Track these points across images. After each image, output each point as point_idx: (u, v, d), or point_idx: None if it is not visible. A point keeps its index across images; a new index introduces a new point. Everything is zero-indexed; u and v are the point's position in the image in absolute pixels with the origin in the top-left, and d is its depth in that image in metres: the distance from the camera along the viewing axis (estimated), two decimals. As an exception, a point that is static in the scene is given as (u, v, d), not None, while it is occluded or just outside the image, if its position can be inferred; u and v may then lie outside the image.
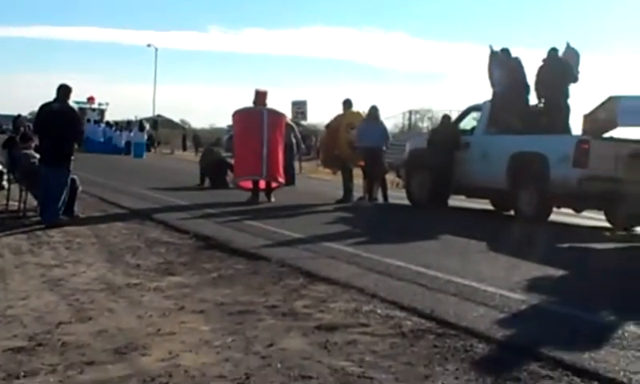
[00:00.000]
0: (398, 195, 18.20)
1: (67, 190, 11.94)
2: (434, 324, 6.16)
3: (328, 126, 18.73)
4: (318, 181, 25.57)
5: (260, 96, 16.98)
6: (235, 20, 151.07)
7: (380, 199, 17.46)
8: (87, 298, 6.96)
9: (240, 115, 17.33)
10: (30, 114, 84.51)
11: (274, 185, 17.01)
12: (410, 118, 52.25)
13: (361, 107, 17.98)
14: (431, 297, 7.17)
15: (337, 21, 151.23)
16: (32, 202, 12.84)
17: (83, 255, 9.39)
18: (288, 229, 11.63)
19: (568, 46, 15.67)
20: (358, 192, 17.78)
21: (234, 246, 9.97)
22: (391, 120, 40.33)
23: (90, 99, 50.50)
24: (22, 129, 30.81)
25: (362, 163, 17.53)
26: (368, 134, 16.82)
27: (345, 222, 13.49)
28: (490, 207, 16.77)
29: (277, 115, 17.34)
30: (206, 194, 18.61)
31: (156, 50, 72.94)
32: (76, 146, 12.38)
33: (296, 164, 33.67)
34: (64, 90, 12.07)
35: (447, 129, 16.70)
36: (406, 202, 17.18)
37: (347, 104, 17.71)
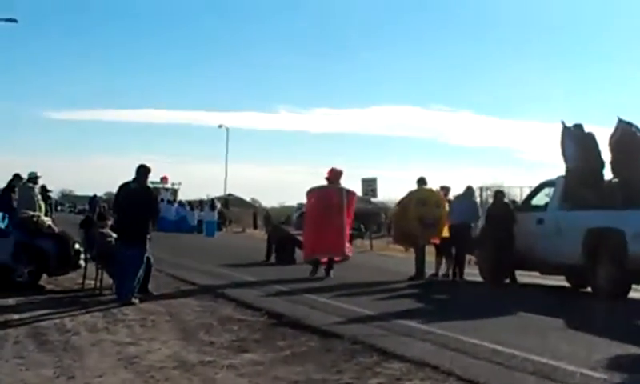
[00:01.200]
0: (471, 272, 17.95)
1: (143, 268, 12.13)
2: (513, 403, 6.01)
3: (400, 203, 18.74)
4: (389, 258, 25.42)
5: (335, 174, 17.64)
6: (304, 100, 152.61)
7: (450, 276, 17.36)
8: (162, 376, 7.00)
9: (314, 193, 17.91)
10: (106, 194, 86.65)
11: (336, 259, 17.54)
12: (481, 195, 51.59)
13: (434, 185, 18.16)
14: (508, 375, 7.02)
15: (404, 100, 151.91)
16: (108, 280, 13.06)
17: (157, 333, 9.46)
18: (360, 306, 11.56)
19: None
20: (430, 269, 17.61)
21: (306, 323, 9.94)
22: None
23: (164, 179, 51.55)
24: (97, 209, 31.67)
25: (435, 241, 17.50)
26: (459, 210, 17.34)
27: (417, 299, 13.35)
28: (566, 284, 16.39)
29: (349, 194, 17.95)
30: (274, 270, 18.67)
31: (227, 130, 74.38)
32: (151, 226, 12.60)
33: (362, 241, 33.88)
34: (143, 170, 12.43)
35: (501, 205, 16.64)
36: (479, 278, 16.94)
37: (421, 181, 17.76)
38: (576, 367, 7.29)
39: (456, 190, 19.05)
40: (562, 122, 15.87)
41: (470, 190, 18.14)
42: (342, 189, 17.68)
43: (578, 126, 15.70)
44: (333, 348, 8.37)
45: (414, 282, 16.41)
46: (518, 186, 22.29)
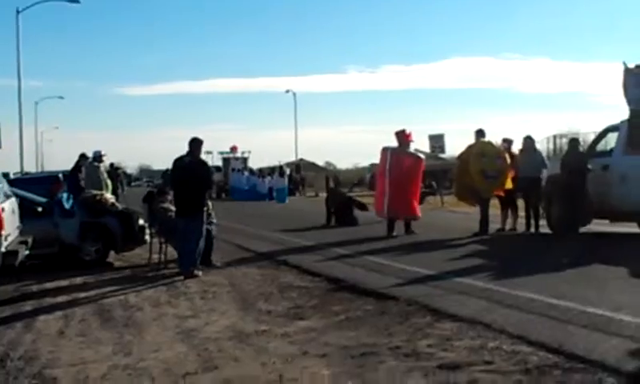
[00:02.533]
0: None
1: (203, 241, 12.30)
2: (561, 358, 5.95)
3: (459, 157, 18.46)
4: (459, 214, 25.18)
5: (406, 137, 17.93)
6: (372, 59, 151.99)
7: (520, 229, 17.13)
8: (216, 348, 7.11)
9: (388, 153, 17.93)
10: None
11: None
12: (555, 143, 50.51)
13: (505, 135, 17.88)
14: (561, 329, 6.93)
15: (474, 51, 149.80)
16: (172, 253, 13.28)
17: (218, 304, 9.61)
18: (419, 266, 11.53)
19: None
20: (496, 223, 17.40)
21: (363, 287, 9.97)
22: (537, 146, 39.31)
23: (233, 149, 52.07)
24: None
25: (499, 193, 17.24)
26: (526, 163, 17.09)
27: (479, 256, 13.21)
28: (638, 231, 15.97)
29: (419, 159, 18.42)
30: (335, 233, 18.72)
31: (294, 94, 74.59)
32: (220, 195, 12.82)
33: (434, 198, 33.58)
34: (195, 143, 12.51)
35: (576, 153, 16.19)
36: (548, 230, 16.65)
37: (479, 133, 17.44)
38: (633, 317, 7.19)
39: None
40: (624, 63, 15.41)
41: (529, 141, 17.62)
42: (414, 154, 18.43)
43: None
44: (387, 310, 8.38)
45: (479, 237, 16.21)
46: (593, 132, 21.46)
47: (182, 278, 11.80)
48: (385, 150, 18.04)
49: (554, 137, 49.86)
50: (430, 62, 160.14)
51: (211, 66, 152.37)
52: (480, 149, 17.21)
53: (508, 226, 17.47)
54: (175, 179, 12.57)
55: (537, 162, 17.33)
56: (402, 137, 17.93)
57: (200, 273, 12.00)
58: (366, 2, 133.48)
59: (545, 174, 17.05)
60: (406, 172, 17.79)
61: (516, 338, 6.69)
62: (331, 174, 66.39)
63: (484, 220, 16.93)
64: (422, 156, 19.10)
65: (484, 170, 16.90)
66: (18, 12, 38.95)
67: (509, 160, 17.11)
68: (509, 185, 17.08)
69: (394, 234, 17.02)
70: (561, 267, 11.05)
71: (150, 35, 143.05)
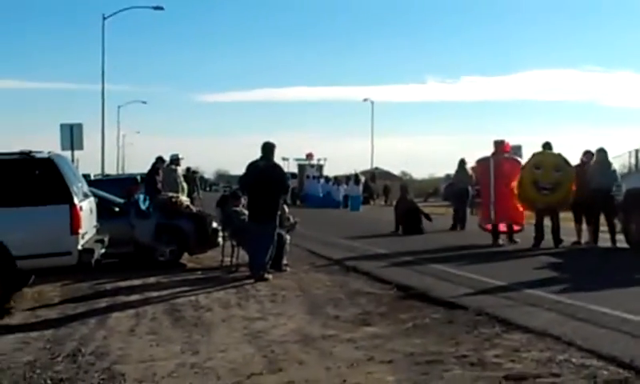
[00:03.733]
0: (617, 238, 17.23)
1: (274, 245, 12.39)
2: (632, 374, 5.82)
3: (523, 168, 18.31)
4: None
5: (502, 147, 18.23)
6: (452, 69, 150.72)
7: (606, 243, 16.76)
8: (282, 350, 7.16)
9: (482, 165, 18.49)
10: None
11: (515, 228, 17.94)
12: (637, 157, 49.29)
13: (582, 148, 17.59)
14: (634, 345, 6.76)
15: (554, 63, 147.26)
16: (244, 257, 13.42)
17: (286, 307, 9.67)
18: (490, 276, 11.39)
19: None
20: (572, 236, 17.07)
21: (433, 295, 9.92)
22: (618, 160, 38.35)
23: (309, 156, 52.26)
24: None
25: (555, 205, 16.98)
26: (598, 176, 16.74)
27: (552, 268, 12.98)
28: None
29: (515, 162, 18.39)
30: (403, 241, 18.74)
31: (372, 103, 74.66)
32: (295, 202, 12.98)
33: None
34: (269, 147, 12.58)
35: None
36: (625, 245, 16.24)
37: (545, 146, 17.23)
38: None
39: (612, 154, 18.15)
40: None
41: (601, 154, 17.17)
42: (510, 159, 18.54)
43: None
44: (455, 319, 8.31)
45: (553, 249, 15.92)
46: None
47: (252, 281, 11.90)
48: (482, 160, 18.49)
49: (637, 151, 48.65)
50: (509, 73, 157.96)
51: (290, 73, 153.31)
52: (537, 160, 17.06)
53: (584, 240, 17.11)
54: (249, 183, 12.63)
55: (610, 175, 17.00)
56: (501, 147, 18.26)
57: (270, 276, 12.10)
58: (445, 12, 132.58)
59: (620, 188, 16.67)
60: (508, 176, 17.79)
61: (586, 351, 6.55)
62: (410, 184, 66.31)
63: (537, 232, 16.67)
64: (519, 159, 19.06)
65: (537, 181, 16.71)
66: (104, 18, 40.05)
67: (573, 172, 16.85)
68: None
69: (500, 242, 17.37)
70: (636, 283, 10.79)
71: (229, 42, 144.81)
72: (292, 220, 14.15)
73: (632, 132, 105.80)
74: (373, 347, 7.16)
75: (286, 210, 14.47)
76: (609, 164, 17.31)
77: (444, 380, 5.90)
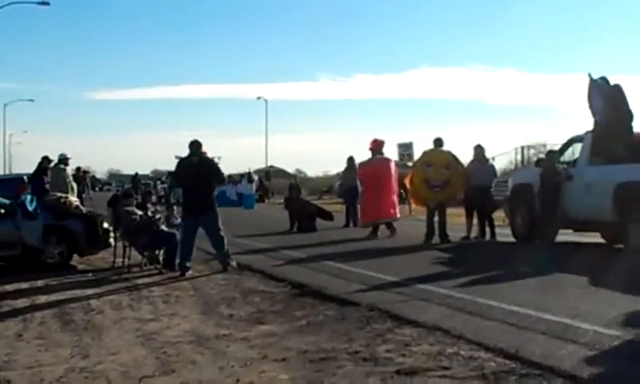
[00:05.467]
0: (503, 232, 17.78)
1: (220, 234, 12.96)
2: (518, 364, 5.99)
3: (413, 165, 18.87)
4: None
5: (378, 144, 19.40)
6: (344, 67, 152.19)
7: (487, 237, 17.28)
8: (175, 351, 7.08)
9: (365, 167, 19.84)
10: (152, 172, 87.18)
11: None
12: (522, 154, 50.91)
13: (471, 145, 18.20)
14: (519, 336, 6.98)
15: (444, 61, 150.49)
16: (136, 257, 13.23)
17: (180, 308, 9.57)
18: (382, 272, 11.56)
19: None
20: (461, 232, 17.51)
21: (326, 293, 9.98)
22: (505, 156, 39.56)
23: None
24: (142, 187, 32.06)
25: (446, 202, 17.52)
26: (477, 173, 17.37)
27: (442, 263, 13.30)
28: (601, 240, 16.09)
29: (388, 161, 19.61)
30: (297, 239, 18.95)
31: (266, 101, 74.66)
32: None
33: (403, 206, 33.70)
34: (197, 145, 13.15)
35: (550, 164, 16.24)
36: (512, 238, 16.78)
37: (437, 142, 17.68)
38: (590, 325, 7.24)
39: (499, 150, 18.97)
40: (589, 75, 15.57)
41: (479, 150, 17.89)
42: (387, 159, 19.53)
43: (603, 79, 15.38)
44: (348, 316, 8.39)
45: (443, 245, 16.33)
46: (561, 144, 21.58)
47: (145, 282, 11.74)
48: (362, 163, 19.81)
49: (522, 148, 50.22)
50: (400, 71, 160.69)
51: (181, 72, 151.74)
52: (427, 158, 17.55)
53: (473, 235, 17.58)
54: (184, 178, 13.09)
55: (488, 171, 17.73)
56: (375, 144, 19.35)
57: (235, 263, 12.92)
58: (338, 11, 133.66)
59: (506, 184, 17.29)
60: (375, 178, 18.78)
61: (474, 344, 6.72)
62: (305, 182, 66.59)
63: (428, 228, 17.19)
64: (389, 158, 19.98)
65: (428, 179, 17.23)
66: (-14, 13, 38.63)
67: (461, 169, 17.41)
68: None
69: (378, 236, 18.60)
70: (522, 275, 11.13)
71: (120, 39, 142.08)
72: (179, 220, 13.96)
73: (518, 129, 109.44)
74: (267, 345, 7.15)
75: (175, 209, 14.35)
76: (486, 160, 17.97)
77: (337, 376, 5.94)
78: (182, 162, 13.37)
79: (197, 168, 12.86)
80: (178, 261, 12.70)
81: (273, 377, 6.03)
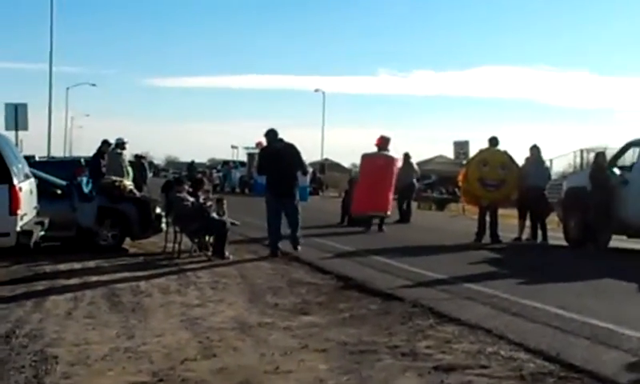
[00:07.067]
0: (556, 235, 17.56)
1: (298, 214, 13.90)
2: (557, 367, 5.96)
3: (467, 163, 18.69)
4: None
5: (384, 141, 19.75)
6: (404, 62, 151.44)
7: (539, 240, 17.09)
8: (218, 337, 7.19)
9: (366, 159, 20.22)
10: (209, 160, 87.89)
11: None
12: (582, 156, 50.05)
13: (528, 145, 17.97)
14: (562, 339, 6.93)
15: (508, 60, 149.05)
16: (187, 243, 13.42)
17: (226, 295, 9.69)
18: (430, 269, 11.53)
19: None
20: (512, 232, 17.37)
21: (371, 287, 10.01)
22: (563, 159, 38.98)
23: (259, 144, 51.93)
24: (198, 175, 32.34)
25: (501, 202, 17.32)
26: (532, 174, 17.18)
27: (490, 263, 13.20)
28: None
29: (393, 160, 20.04)
30: (349, 233, 19.02)
31: (324, 94, 74.72)
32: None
33: (457, 205, 33.52)
34: (274, 132, 14.04)
35: (601, 168, 15.99)
36: (564, 242, 16.56)
37: (492, 141, 17.47)
38: (635, 332, 7.14)
39: (557, 152, 18.69)
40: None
41: (535, 151, 17.63)
42: (387, 155, 19.65)
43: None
44: (392, 311, 8.42)
45: (480, 243, 16.22)
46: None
47: (193, 268, 11.91)
48: (364, 156, 20.27)
49: (582, 151, 49.40)
50: (461, 69, 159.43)
51: (240, 63, 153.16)
52: (483, 157, 17.34)
53: (525, 237, 17.41)
54: (270, 164, 13.90)
55: (543, 172, 17.59)
56: (381, 141, 19.81)
57: (299, 248, 13.69)
58: (399, 3, 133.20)
59: (560, 186, 17.07)
60: (376, 171, 19.30)
61: (515, 344, 6.70)
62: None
63: (479, 227, 16.98)
64: (393, 156, 20.13)
65: (483, 177, 16.99)
66: (53, -4, 39.24)
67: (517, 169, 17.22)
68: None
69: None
70: (570, 279, 11.04)
71: (182, 27, 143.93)
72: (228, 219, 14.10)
73: (579, 131, 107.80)
74: (308, 336, 7.22)
75: (225, 204, 14.50)
76: (542, 161, 17.77)
77: (375, 369, 5.98)
78: (266, 148, 14.35)
79: (282, 153, 13.66)
80: (268, 243, 13.81)
81: (312, 366, 6.09)
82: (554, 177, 20.84)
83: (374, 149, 19.84)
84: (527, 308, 8.41)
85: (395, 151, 20.42)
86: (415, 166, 24.55)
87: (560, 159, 37.46)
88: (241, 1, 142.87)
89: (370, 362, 6.18)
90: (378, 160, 19.60)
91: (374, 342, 6.93)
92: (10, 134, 20.46)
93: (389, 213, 19.88)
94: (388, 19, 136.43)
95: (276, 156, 13.72)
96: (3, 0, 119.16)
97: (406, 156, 23.89)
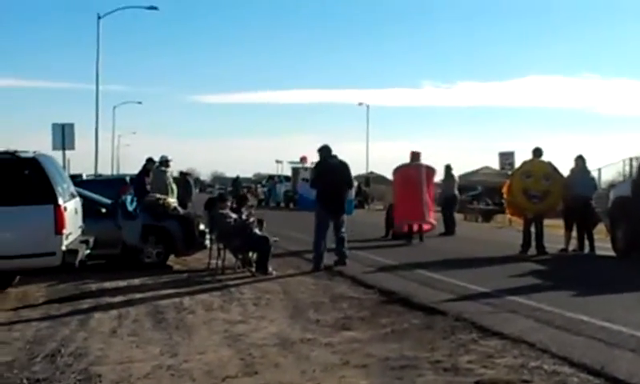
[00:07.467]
0: (604, 246, 17.30)
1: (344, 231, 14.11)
2: (602, 380, 5.89)
3: (511, 175, 18.52)
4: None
5: (415, 155, 20.09)
6: (448, 74, 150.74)
7: (585, 250, 16.84)
8: (260, 353, 7.22)
9: (399, 171, 20.40)
10: (255, 175, 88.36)
11: (426, 227, 19.95)
12: (631, 165, 49.09)
13: (574, 154, 17.74)
14: (607, 352, 6.83)
15: (552, 70, 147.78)
16: (231, 259, 13.48)
17: (269, 311, 9.72)
18: (473, 282, 11.43)
19: None
20: (559, 243, 17.15)
21: (414, 301, 9.97)
22: (612, 168, 38.34)
23: (303, 159, 52.28)
24: (243, 190, 32.56)
25: (546, 213, 17.10)
26: (577, 183, 16.97)
27: (535, 275, 13.03)
28: None
29: (428, 170, 20.18)
30: (392, 246, 19.00)
31: (367, 107, 74.73)
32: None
33: (503, 216, 33.19)
34: (328, 148, 14.38)
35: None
36: (612, 253, 16.30)
37: (536, 152, 17.30)
38: (682, 345, 7.01)
39: (605, 161, 18.44)
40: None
41: (580, 161, 17.37)
42: (420, 165, 19.95)
43: None
44: (434, 325, 8.37)
45: (537, 256, 16.01)
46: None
47: (237, 284, 11.96)
48: (397, 169, 20.46)
49: (631, 159, 48.54)
50: (505, 79, 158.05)
51: (285, 76, 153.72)
52: (526, 168, 17.19)
53: (571, 248, 17.18)
54: (325, 178, 14.11)
55: (589, 182, 17.32)
56: (412, 155, 20.18)
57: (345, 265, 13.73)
58: (441, 16, 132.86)
59: (608, 196, 16.80)
60: (412, 182, 19.54)
61: (559, 358, 6.62)
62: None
63: (524, 239, 16.78)
64: (421, 164, 20.19)
65: (527, 189, 16.82)
66: (99, 17, 39.81)
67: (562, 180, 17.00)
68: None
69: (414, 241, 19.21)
70: (618, 291, 10.85)
71: (224, 44, 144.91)
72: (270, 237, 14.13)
73: (627, 139, 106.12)
74: (350, 351, 7.22)
75: (265, 225, 14.54)
76: (588, 171, 17.52)
77: (415, 384, 5.96)
78: (320, 164, 14.59)
79: (336, 168, 14.12)
80: (313, 257, 13.91)
81: (352, 382, 6.09)
82: (602, 186, 20.59)
83: None
84: (572, 321, 8.30)
85: (438, 164, 20.45)
86: (456, 178, 24.46)
87: (609, 168, 36.73)
88: (283, 17, 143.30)
89: (411, 378, 6.15)
90: (409, 170, 19.95)
91: (415, 357, 6.90)
92: (58, 154, 20.83)
93: (433, 222, 20.12)
94: (431, 31, 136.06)
95: (331, 172, 14.07)
96: (51, 21, 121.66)
97: (448, 168, 23.81)
